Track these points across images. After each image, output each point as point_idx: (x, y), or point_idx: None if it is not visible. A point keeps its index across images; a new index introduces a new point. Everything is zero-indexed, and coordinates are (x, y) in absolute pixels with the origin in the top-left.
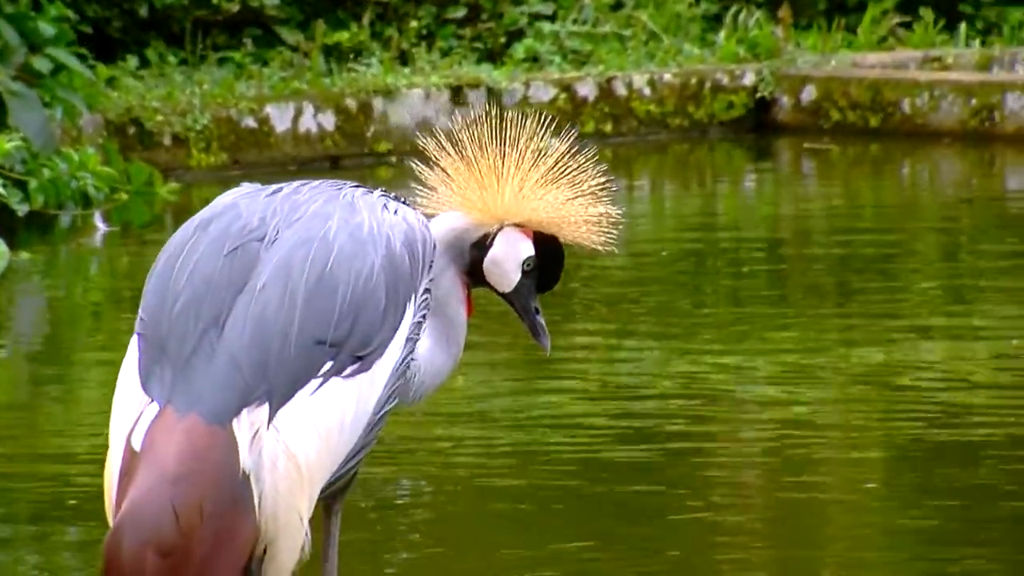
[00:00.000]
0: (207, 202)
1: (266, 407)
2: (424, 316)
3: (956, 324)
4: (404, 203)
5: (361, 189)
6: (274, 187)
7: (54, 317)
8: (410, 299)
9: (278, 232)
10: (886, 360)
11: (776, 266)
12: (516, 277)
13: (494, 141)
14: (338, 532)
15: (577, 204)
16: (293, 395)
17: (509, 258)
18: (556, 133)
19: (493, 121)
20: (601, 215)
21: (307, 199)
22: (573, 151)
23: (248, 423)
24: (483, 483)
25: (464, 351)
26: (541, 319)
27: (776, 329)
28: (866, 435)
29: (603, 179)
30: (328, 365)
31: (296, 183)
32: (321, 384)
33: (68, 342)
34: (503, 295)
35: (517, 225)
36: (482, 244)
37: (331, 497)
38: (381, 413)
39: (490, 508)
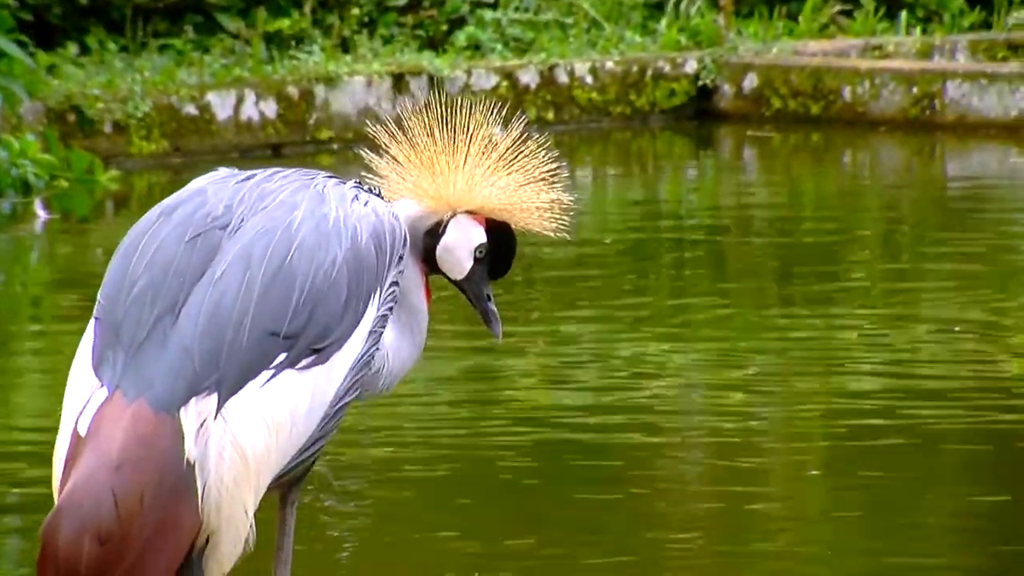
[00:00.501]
0: (148, 190)
1: (215, 397)
2: (391, 309)
3: (896, 310)
4: (376, 195)
5: (334, 180)
6: (247, 173)
7: None
8: (375, 292)
9: (243, 220)
10: (827, 345)
11: (717, 253)
12: (468, 264)
13: (443, 128)
14: (293, 522)
15: (528, 190)
16: (243, 386)
17: (461, 245)
18: (504, 121)
19: (440, 108)
20: (552, 201)
21: (276, 188)
22: (523, 138)
23: (196, 412)
24: (425, 473)
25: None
26: (493, 306)
27: (717, 317)
28: (807, 420)
29: (553, 165)
30: (282, 357)
31: (270, 170)
32: (273, 376)
33: (6, 330)
34: (455, 282)
35: (469, 212)
36: (434, 232)
37: (286, 487)
38: (339, 405)
39: (433, 496)
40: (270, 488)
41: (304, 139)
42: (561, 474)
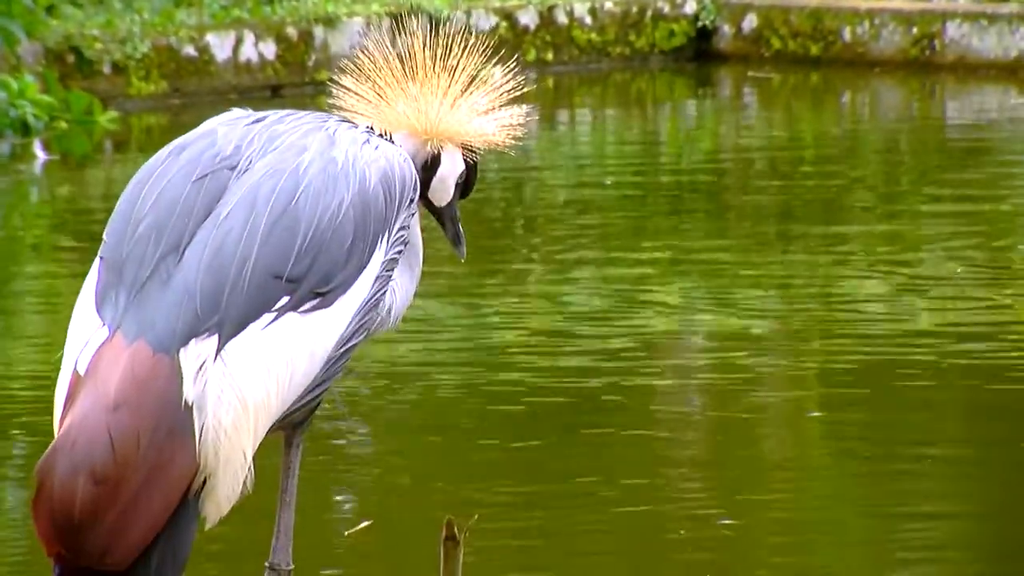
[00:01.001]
0: (147, 131)
1: (215, 338)
2: (400, 252)
3: (897, 251)
4: (388, 140)
5: (346, 124)
6: (260, 115)
7: None
8: (382, 236)
9: (251, 161)
10: (827, 286)
11: (717, 196)
12: (449, 194)
13: (429, 60)
14: (298, 464)
15: (501, 116)
16: (244, 328)
17: (451, 175)
18: (487, 53)
19: (426, 41)
20: (520, 116)
21: (287, 130)
22: (504, 71)
23: (195, 354)
24: (419, 420)
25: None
26: (460, 228)
27: (717, 261)
28: (808, 365)
29: (518, 80)
30: (284, 300)
31: (282, 112)
32: (275, 319)
33: (7, 271)
34: (434, 209)
35: (452, 141)
36: (427, 165)
37: (291, 428)
38: (344, 348)
39: (425, 440)
40: (273, 430)
41: (303, 80)
42: (559, 420)
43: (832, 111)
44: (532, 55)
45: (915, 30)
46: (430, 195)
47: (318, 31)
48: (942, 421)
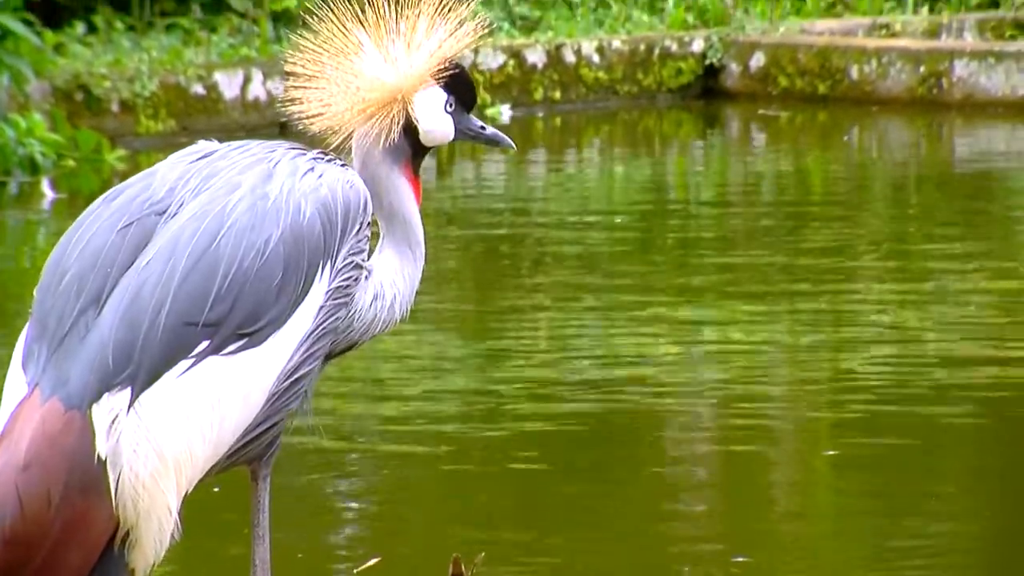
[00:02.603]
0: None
1: (128, 391)
2: (354, 279)
3: (906, 287)
4: (340, 164)
5: (295, 152)
6: (209, 149)
7: (1, 284)
8: (322, 267)
9: (183, 203)
10: (835, 323)
11: (724, 232)
12: (449, 124)
13: (357, 23)
14: (267, 498)
15: (454, 35)
16: (159, 378)
17: (435, 118)
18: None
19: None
20: (476, 25)
21: (226, 166)
22: None
23: (108, 408)
24: (426, 452)
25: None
26: (491, 129)
27: (725, 295)
28: (815, 399)
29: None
30: (204, 345)
31: (234, 145)
32: (193, 365)
33: (15, 310)
34: (459, 138)
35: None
36: (409, 128)
37: (254, 463)
38: (289, 381)
39: (433, 472)
40: (236, 464)
41: None
42: (565, 455)
43: (840, 149)
44: (540, 94)
45: (923, 68)
46: (431, 145)
47: None
48: (955, 458)
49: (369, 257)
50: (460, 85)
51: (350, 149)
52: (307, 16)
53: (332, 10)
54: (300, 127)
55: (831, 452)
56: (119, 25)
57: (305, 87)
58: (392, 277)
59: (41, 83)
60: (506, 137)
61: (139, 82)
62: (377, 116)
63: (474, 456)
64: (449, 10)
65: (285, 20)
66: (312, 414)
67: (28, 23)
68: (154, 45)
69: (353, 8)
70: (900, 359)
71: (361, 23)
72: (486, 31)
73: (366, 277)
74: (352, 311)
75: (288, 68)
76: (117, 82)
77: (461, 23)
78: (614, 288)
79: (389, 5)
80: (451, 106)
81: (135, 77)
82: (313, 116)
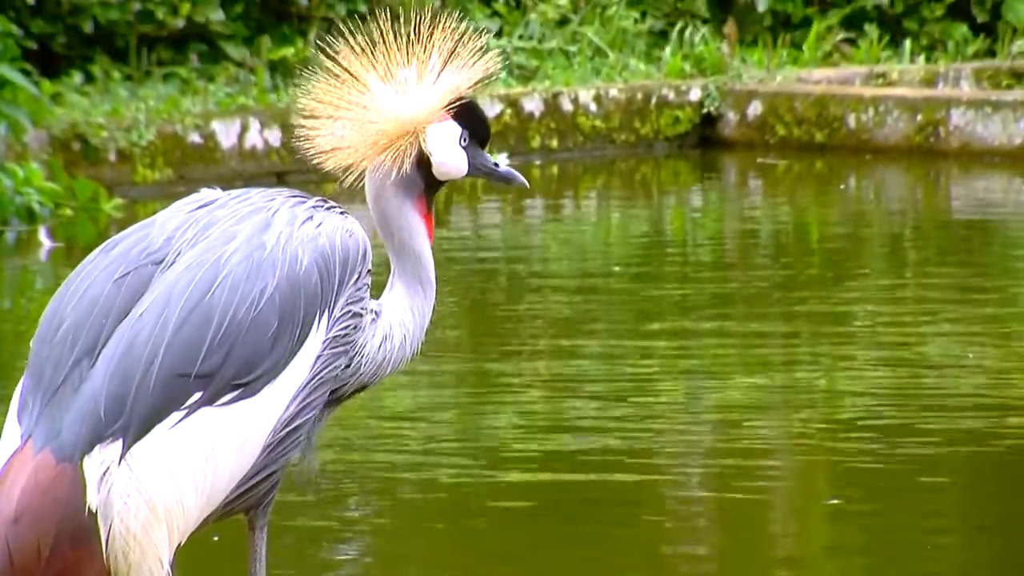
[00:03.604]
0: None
1: (120, 443)
2: (354, 327)
3: (902, 337)
4: (339, 212)
5: (294, 199)
6: (210, 198)
7: None
8: (319, 316)
9: (179, 254)
10: (831, 377)
11: (722, 280)
12: (463, 159)
13: (372, 58)
14: (264, 547)
15: (467, 68)
16: (151, 429)
17: (448, 151)
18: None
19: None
20: (489, 60)
21: (225, 215)
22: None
23: (99, 460)
24: (428, 502)
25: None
26: (504, 167)
27: (722, 346)
28: (810, 449)
29: (476, 34)
30: (196, 396)
31: (234, 193)
32: (185, 416)
33: (12, 358)
34: (471, 174)
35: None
36: (422, 162)
37: (251, 511)
38: (286, 431)
39: (430, 516)
40: (232, 513)
41: (308, 167)
42: (561, 508)
43: (837, 198)
44: (537, 142)
45: (920, 117)
46: (443, 179)
47: None
48: (953, 504)
49: (377, 297)
50: (474, 120)
51: (363, 185)
52: (318, 51)
53: (343, 45)
54: (310, 166)
55: (834, 501)
56: (116, 74)
57: (317, 123)
58: (401, 316)
59: (39, 132)
60: (519, 175)
61: (136, 131)
62: (390, 149)
63: (471, 502)
64: (462, 44)
65: (282, 69)
66: (317, 462)
67: (26, 73)
68: (151, 94)
69: (365, 42)
70: (899, 406)
71: (373, 57)
72: (499, 67)
73: (373, 320)
74: (359, 355)
75: (300, 104)
76: (114, 131)
77: (474, 57)
78: (611, 335)
79: (401, 39)
80: (465, 140)
81: (132, 126)
82: (326, 152)
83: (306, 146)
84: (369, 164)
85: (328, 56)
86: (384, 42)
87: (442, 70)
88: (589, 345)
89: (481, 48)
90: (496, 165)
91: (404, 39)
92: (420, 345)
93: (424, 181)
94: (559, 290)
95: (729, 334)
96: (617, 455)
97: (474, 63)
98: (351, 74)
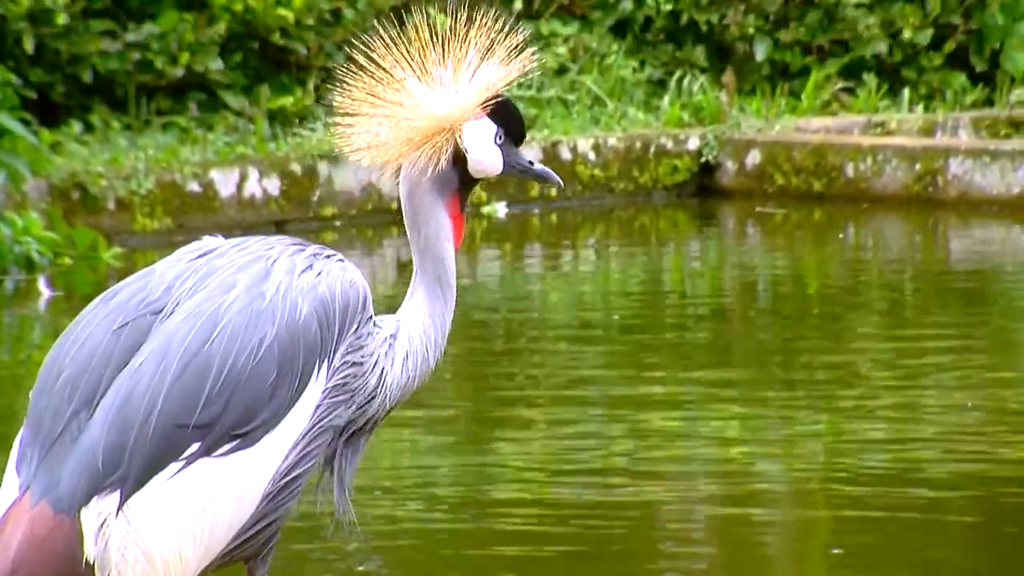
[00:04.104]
0: (148, 267)
1: (117, 495)
2: (353, 375)
3: (901, 389)
4: (339, 260)
5: (294, 248)
6: (210, 246)
7: None
8: (318, 366)
9: (179, 303)
10: (831, 424)
11: (721, 331)
12: (498, 157)
13: (408, 56)
14: None
15: (503, 65)
16: (149, 481)
17: (485, 149)
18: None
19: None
20: (526, 57)
21: (224, 264)
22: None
23: (96, 512)
24: (428, 559)
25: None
26: (538, 166)
27: (720, 398)
28: (810, 502)
29: (513, 31)
30: (195, 447)
31: (234, 242)
32: (183, 467)
33: (10, 408)
34: (506, 173)
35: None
36: (457, 159)
37: (250, 561)
38: (285, 481)
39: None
40: (233, 562)
41: (308, 216)
42: (557, 559)
43: (836, 247)
44: (536, 191)
45: (918, 166)
46: (478, 177)
47: (322, 167)
48: (954, 552)
49: (396, 309)
50: (509, 118)
51: (398, 182)
52: (353, 51)
53: (379, 42)
54: (350, 160)
55: (836, 550)
56: (115, 124)
57: (354, 120)
58: (422, 328)
59: (38, 182)
60: (554, 174)
61: (135, 180)
62: (426, 146)
63: (469, 555)
64: (498, 41)
65: (281, 118)
66: (351, 508)
67: (25, 122)
68: (150, 143)
69: (400, 39)
70: (898, 453)
71: (409, 54)
72: (535, 64)
73: (390, 345)
74: (381, 386)
75: (336, 102)
76: (113, 180)
77: (510, 54)
78: (610, 383)
79: (436, 36)
80: (500, 138)
81: (131, 175)
82: (363, 149)
83: (343, 143)
84: (405, 161)
85: (364, 55)
86: (420, 39)
87: (478, 67)
88: (587, 394)
89: (517, 45)
90: (531, 163)
91: (440, 36)
92: (441, 353)
93: (459, 179)
94: (559, 339)
95: (728, 383)
96: (615, 505)
97: (510, 60)
98: (388, 72)
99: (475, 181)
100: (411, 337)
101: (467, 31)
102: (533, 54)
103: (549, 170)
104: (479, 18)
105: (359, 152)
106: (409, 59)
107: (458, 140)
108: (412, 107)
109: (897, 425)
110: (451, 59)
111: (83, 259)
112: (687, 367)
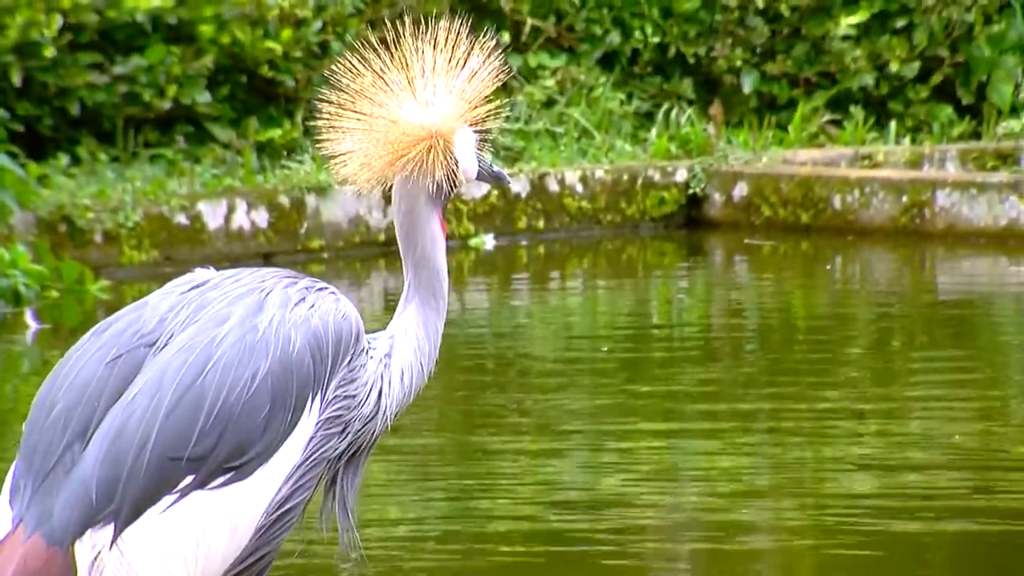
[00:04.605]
0: (137, 300)
1: (111, 527)
2: (346, 408)
3: (889, 421)
4: (331, 293)
5: (287, 280)
6: (203, 278)
7: None
8: (312, 399)
9: (172, 335)
10: (817, 457)
11: (710, 365)
12: (476, 163)
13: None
14: None
15: (483, 74)
16: (143, 513)
17: (471, 157)
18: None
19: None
20: (500, 63)
21: (217, 297)
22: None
23: (90, 544)
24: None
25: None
26: (496, 166)
27: (706, 431)
28: (797, 535)
29: (488, 39)
30: (188, 479)
31: (227, 274)
32: (177, 500)
33: (1, 439)
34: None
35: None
36: (450, 174)
37: None
38: (278, 514)
39: None
40: None
41: (295, 248)
42: None
43: (823, 279)
44: (524, 223)
45: (905, 198)
46: (463, 182)
47: (310, 199)
48: None
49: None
50: (481, 124)
51: (390, 198)
52: (333, 74)
53: (358, 62)
54: (342, 187)
55: None
56: (103, 156)
57: (343, 141)
58: (417, 342)
59: (25, 214)
60: (505, 174)
61: (123, 213)
62: (421, 160)
63: None
64: (476, 51)
65: (269, 151)
66: (358, 533)
67: (12, 155)
68: (138, 176)
69: (377, 57)
70: (886, 488)
71: (389, 70)
72: (511, 73)
73: (386, 366)
74: (380, 407)
75: (323, 124)
76: (101, 213)
77: (487, 63)
78: (596, 418)
79: (419, 49)
80: (479, 146)
81: (119, 208)
82: (353, 171)
83: (333, 163)
84: (396, 176)
85: (349, 71)
86: (402, 53)
87: (457, 77)
88: (575, 426)
89: (493, 52)
90: (491, 165)
91: (421, 50)
92: (434, 364)
93: (449, 189)
94: (546, 373)
95: (715, 416)
96: (602, 541)
97: (488, 68)
98: (369, 88)
99: (452, 193)
100: (406, 352)
101: (446, 42)
102: (506, 63)
103: (502, 172)
104: (456, 33)
105: (350, 174)
106: (389, 74)
107: (450, 151)
108: (401, 123)
109: (884, 459)
110: (434, 70)
111: (70, 292)
112: (675, 398)
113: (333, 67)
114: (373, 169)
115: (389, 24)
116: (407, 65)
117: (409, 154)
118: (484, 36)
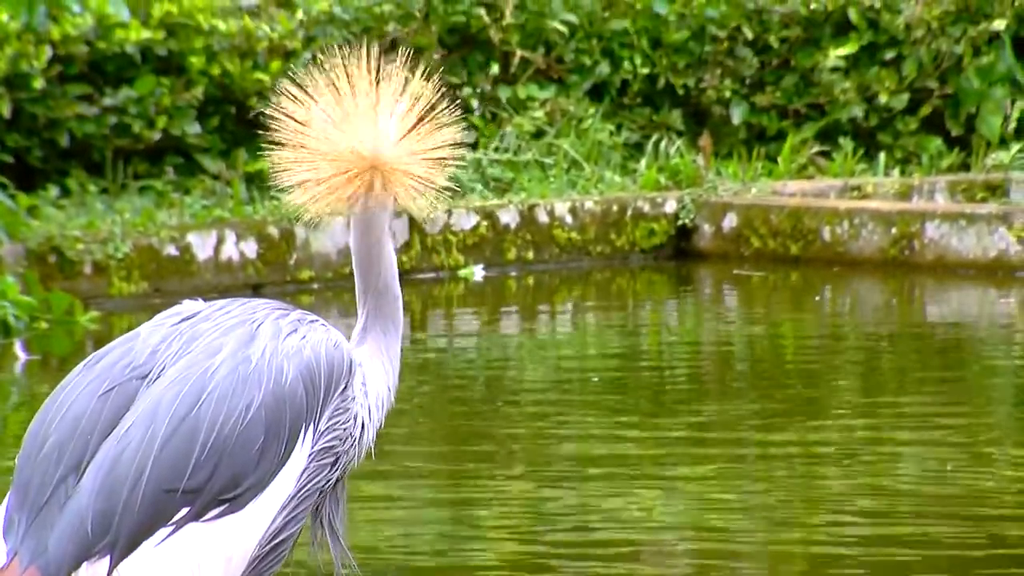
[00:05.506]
0: (128, 331)
1: (106, 560)
2: (338, 438)
3: (879, 452)
4: (322, 324)
5: (278, 312)
6: (193, 310)
7: None
8: (305, 430)
9: (164, 368)
10: (808, 488)
11: (700, 396)
12: (416, 196)
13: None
14: None
15: (424, 98)
16: (138, 546)
17: (410, 190)
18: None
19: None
20: (433, 85)
21: (209, 328)
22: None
23: None
24: None
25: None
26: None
27: (696, 458)
28: (793, 560)
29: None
30: (183, 512)
31: (217, 305)
32: (172, 532)
33: None
34: None
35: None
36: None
37: None
38: (271, 545)
39: None
40: None
41: (285, 279)
42: None
43: (812, 311)
44: (513, 254)
45: (894, 230)
46: (400, 207)
47: (299, 230)
48: None
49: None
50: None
51: (347, 224)
52: (271, 111)
53: (300, 96)
54: (298, 216)
55: None
56: (92, 188)
57: (296, 169)
58: (383, 369)
59: (14, 245)
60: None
61: (112, 244)
62: (374, 187)
63: None
64: (413, 76)
65: (258, 182)
66: (349, 553)
67: (2, 186)
68: (127, 207)
69: (317, 90)
70: (877, 516)
71: (341, 96)
72: (441, 91)
73: (365, 394)
74: (365, 433)
75: (273, 161)
76: (90, 244)
77: (423, 85)
78: (585, 446)
79: (364, 76)
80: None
81: (108, 239)
82: (308, 201)
83: (288, 197)
84: (351, 204)
85: (284, 106)
86: (349, 81)
87: (398, 108)
88: (565, 456)
89: (427, 77)
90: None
91: (365, 77)
92: (397, 382)
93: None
94: (536, 402)
95: (706, 444)
96: (592, 570)
97: (428, 93)
98: (316, 121)
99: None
100: (378, 381)
101: (384, 75)
102: (440, 87)
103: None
104: (396, 61)
105: (302, 205)
106: (328, 107)
107: (391, 181)
108: (348, 152)
109: (875, 487)
110: (369, 97)
111: (60, 323)
112: (665, 428)
113: (277, 100)
114: (320, 200)
115: (337, 55)
116: (343, 97)
117: (350, 187)
118: (472, 67)
